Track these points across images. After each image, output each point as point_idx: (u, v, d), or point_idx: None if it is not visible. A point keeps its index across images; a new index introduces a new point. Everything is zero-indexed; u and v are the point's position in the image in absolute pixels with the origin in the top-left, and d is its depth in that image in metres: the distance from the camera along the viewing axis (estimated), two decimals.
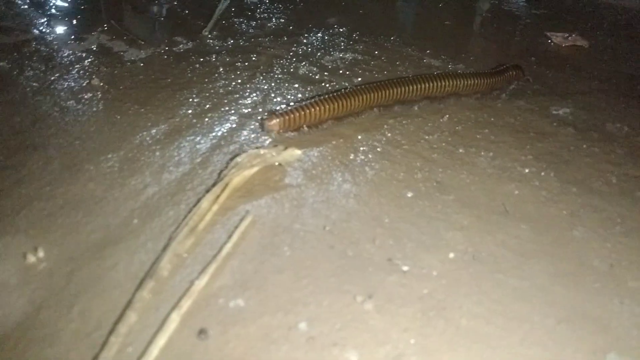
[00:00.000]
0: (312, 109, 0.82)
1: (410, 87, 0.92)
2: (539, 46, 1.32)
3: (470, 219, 0.67)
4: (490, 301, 0.55)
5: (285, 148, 0.74)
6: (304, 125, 0.83)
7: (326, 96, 0.85)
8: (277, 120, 0.80)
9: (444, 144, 0.83)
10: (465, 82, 0.97)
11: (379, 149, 0.81)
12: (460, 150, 0.82)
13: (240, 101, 0.95)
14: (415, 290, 0.56)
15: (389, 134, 0.86)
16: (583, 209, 0.70)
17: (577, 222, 0.68)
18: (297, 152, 0.74)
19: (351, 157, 0.79)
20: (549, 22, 1.54)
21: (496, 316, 0.53)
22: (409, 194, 0.71)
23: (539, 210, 0.69)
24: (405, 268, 0.58)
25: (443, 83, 0.95)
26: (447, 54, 1.22)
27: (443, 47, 1.27)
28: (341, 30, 1.37)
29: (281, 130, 0.82)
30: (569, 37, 1.33)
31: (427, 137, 0.85)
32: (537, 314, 0.53)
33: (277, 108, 0.86)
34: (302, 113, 0.81)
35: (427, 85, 0.94)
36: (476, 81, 0.98)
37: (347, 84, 1.03)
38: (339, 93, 0.86)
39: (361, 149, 0.81)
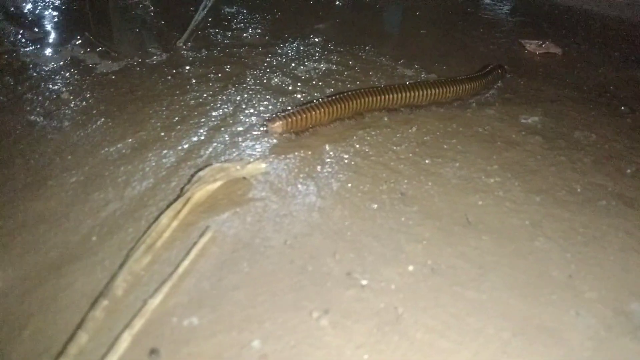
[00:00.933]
0: (316, 111, 0.84)
1: (414, 93, 0.95)
2: (512, 54, 1.33)
3: (432, 230, 0.67)
4: (447, 314, 0.55)
5: (250, 161, 0.74)
6: (308, 127, 0.85)
7: (329, 98, 0.87)
8: (280, 122, 0.81)
9: (411, 155, 0.84)
10: (466, 87, 1.01)
11: (345, 161, 0.81)
12: (427, 161, 0.82)
13: (210, 113, 0.95)
14: (372, 305, 0.55)
15: (357, 145, 0.86)
16: (545, 219, 0.70)
17: (538, 232, 0.68)
18: (262, 165, 0.74)
19: (317, 169, 0.79)
20: (525, 29, 1.55)
21: (451, 330, 0.53)
22: (374, 206, 0.71)
23: (501, 221, 0.70)
24: (364, 282, 0.58)
25: (448, 89, 0.98)
26: (420, 63, 1.23)
27: (417, 56, 1.27)
28: (317, 40, 1.37)
29: (284, 132, 0.83)
30: (543, 45, 1.35)
31: (394, 148, 0.86)
32: (492, 327, 0.54)
33: (281, 111, 0.88)
34: (306, 115, 0.83)
35: (432, 91, 0.96)
36: (473, 85, 1.02)
37: (318, 95, 1.04)
38: (342, 95, 0.88)
39: (328, 160, 0.81)
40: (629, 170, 0.83)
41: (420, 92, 0.96)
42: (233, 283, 0.57)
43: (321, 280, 0.58)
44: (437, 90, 0.97)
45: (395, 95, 0.93)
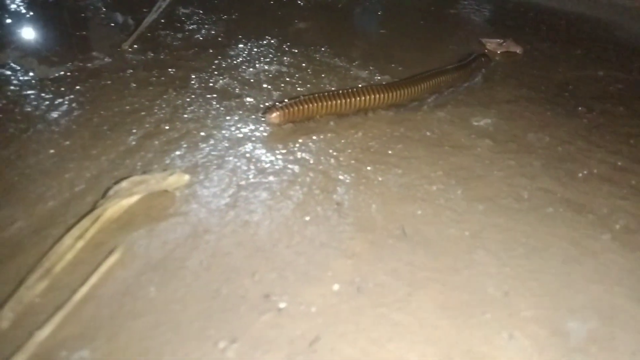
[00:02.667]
0: (314, 104, 0.85)
1: (413, 88, 0.95)
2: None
3: (364, 245, 0.62)
4: (367, 340, 0.50)
5: (172, 173, 0.68)
6: (306, 118, 0.86)
7: (329, 92, 0.88)
8: (278, 113, 0.82)
9: (352, 162, 0.79)
10: (455, 75, 1.05)
11: (281, 170, 0.76)
12: (369, 168, 0.77)
13: (145, 119, 0.90)
14: (287, 332, 0.51)
15: (297, 153, 0.81)
16: (487, 230, 0.66)
17: (478, 244, 0.63)
18: (185, 177, 0.68)
19: (250, 179, 0.74)
20: (488, 27, 1.52)
21: (368, 359, 0.48)
22: (306, 218, 0.67)
23: (439, 232, 0.65)
24: (282, 305, 0.53)
25: (444, 78, 1.02)
26: (376, 64, 1.18)
27: (374, 57, 1.23)
28: (272, 41, 1.32)
29: (282, 123, 0.85)
30: (503, 44, 1.31)
31: (336, 154, 0.81)
32: (415, 354, 0.49)
33: (279, 101, 0.88)
34: (304, 107, 0.84)
35: (430, 82, 0.99)
36: (462, 72, 1.07)
37: (263, 99, 0.99)
38: (342, 91, 0.89)
39: (262, 170, 0.76)
40: (580, 174, 0.79)
41: (421, 86, 0.97)
42: (135, 310, 0.52)
43: (235, 304, 0.53)
44: (435, 81, 1.00)
45: (395, 93, 0.93)
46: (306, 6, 1.67)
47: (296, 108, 0.84)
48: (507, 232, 0.66)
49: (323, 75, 1.12)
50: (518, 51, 1.29)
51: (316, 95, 0.87)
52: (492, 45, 1.31)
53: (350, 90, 0.90)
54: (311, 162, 0.79)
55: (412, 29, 1.49)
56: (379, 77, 1.11)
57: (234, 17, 1.52)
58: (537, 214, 0.70)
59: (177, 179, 0.68)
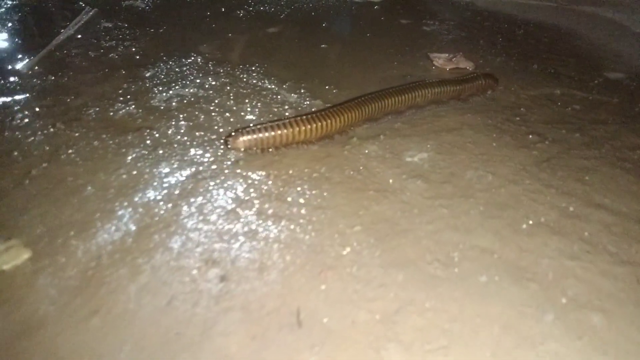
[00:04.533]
0: (286, 130, 0.77)
1: (388, 101, 0.89)
2: (419, 71, 1.17)
3: (244, 341, 0.48)
4: None
5: (8, 248, 0.53)
6: (275, 146, 0.79)
7: (300, 117, 0.79)
8: (242, 138, 0.76)
9: (252, 219, 0.65)
10: (441, 90, 0.96)
11: (157, 238, 0.62)
12: (271, 227, 0.64)
13: (14, 165, 0.74)
14: None
15: (184, 207, 0.67)
16: (403, 311, 0.53)
17: (389, 334, 0.50)
18: (24, 255, 0.54)
19: (115, 255, 0.59)
20: (440, 39, 1.40)
21: None
22: (163, 303, 0.52)
23: (344, 316, 0.52)
24: None
25: (416, 93, 0.93)
26: (309, 86, 1.05)
27: (309, 77, 1.10)
28: (198, 59, 1.18)
29: (248, 149, 0.78)
30: (453, 59, 1.19)
31: (233, 207, 0.67)
32: None
33: (245, 126, 0.79)
34: (273, 134, 0.77)
35: (402, 97, 0.91)
36: (450, 88, 0.97)
37: (168, 131, 0.84)
38: (313, 115, 0.80)
39: (129, 232, 0.61)
40: (525, 225, 0.66)
41: (395, 99, 0.90)
42: None
43: None
44: (407, 96, 0.92)
45: (370, 107, 0.86)
46: (244, 18, 1.53)
47: (265, 134, 0.76)
48: (427, 313, 0.53)
49: (246, 101, 0.99)
50: (468, 67, 1.17)
51: (289, 120, 0.79)
52: (441, 61, 1.18)
53: (323, 112, 0.82)
54: (196, 221, 0.65)
55: (357, 42, 1.36)
56: (308, 102, 0.98)
57: (161, 31, 1.38)
58: (468, 285, 0.57)
59: (13, 256, 0.53)
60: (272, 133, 0.77)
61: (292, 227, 0.64)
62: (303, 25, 1.48)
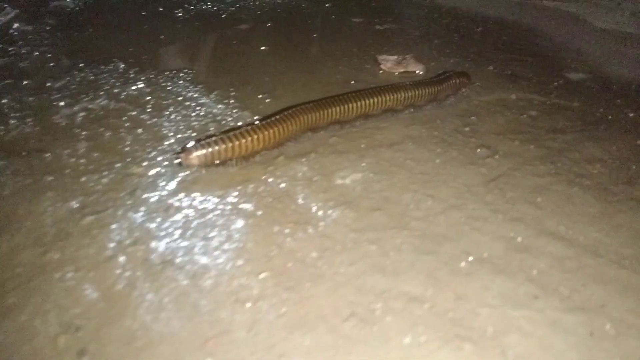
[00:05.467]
0: (243, 139, 0.69)
1: (352, 105, 0.81)
2: (365, 76, 1.06)
3: None
4: None
5: None
6: (232, 158, 0.70)
7: (259, 123, 0.72)
8: (197, 153, 0.67)
9: (136, 270, 0.53)
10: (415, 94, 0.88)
11: (15, 292, 0.50)
12: (148, 285, 0.52)
13: None
14: None
15: (55, 253, 0.55)
16: None
17: None
18: None
19: None
20: (393, 39, 1.29)
21: None
22: None
23: None
24: None
25: (380, 99, 0.84)
26: (240, 94, 0.94)
27: (241, 84, 0.99)
28: (120, 65, 1.06)
29: (203, 165, 0.68)
30: (402, 61, 1.08)
31: (112, 254, 0.55)
32: None
33: (197, 140, 0.69)
34: (231, 144, 0.68)
35: (367, 101, 0.82)
36: (421, 91, 0.88)
37: (65, 155, 0.72)
38: (273, 119, 0.73)
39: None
40: (464, 263, 0.57)
41: (356, 104, 0.81)
42: None
43: None
44: (369, 101, 0.83)
45: (331, 110, 0.79)
46: (182, 19, 1.40)
47: (222, 146, 0.68)
48: None
49: (165, 113, 0.87)
50: (419, 70, 1.07)
51: (247, 128, 0.71)
52: (388, 64, 1.08)
53: (282, 115, 0.74)
54: (67, 283, 0.53)
55: (302, 44, 1.25)
56: (235, 115, 0.87)
57: (86, 34, 1.25)
58: (387, 350, 0.47)
59: None
60: (230, 144, 0.68)
61: (182, 282, 0.53)
62: (247, 25, 1.37)
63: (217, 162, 0.70)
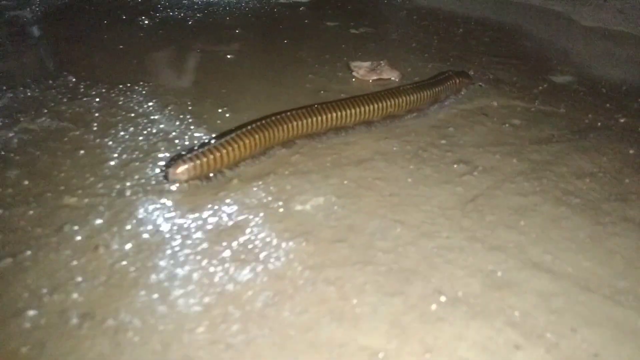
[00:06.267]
0: (231, 147, 0.65)
1: (343, 113, 0.76)
2: (336, 85, 0.98)
3: None
4: None
5: None
6: (221, 168, 0.66)
7: (244, 130, 0.68)
8: (186, 166, 0.62)
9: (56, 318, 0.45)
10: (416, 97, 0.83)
11: None
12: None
13: None
14: None
15: None
16: None
17: None
18: None
19: None
20: (367, 44, 1.22)
21: None
22: None
23: None
24: None
25: (381, 105, 0.79)
26: (197, 109, 0.87)
27: (202, 97, 0.91)
28: (70, 79, 0.98)
29: (190, 179, 0.64)
30: (376, 68, 1.01)
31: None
32: None
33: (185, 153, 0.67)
34: (219, 154, 0.64)
35: (359, 109, 0.77)
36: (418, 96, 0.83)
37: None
38: (258, 124, 0.69)
39: None
40: (434, 306, 0.49)
41: (340, 113, 0.76)
42: None
43: None
44: (360, 110, 0.78)
45: (320, 118, 0.74)
46: (146, 27, 1.32)
47: (210, 157, 0.63)
48: None
49: (111, 132, 0.79)
50: (394, 77, 0.99)
51: (231, 136, 0.66)
52: (361, 71, 1.00)
53: (269, 120, 0.70)
54: None
55: (271, 51, 1.17)
56: (189, 133, 0.79)
57: (40, 46, 1.16)
58: None
59: None
60: (218, 153, 0.64)
61: (101, 341, 0.44)
62: (214, 33, 1.29)
63: (207, 174, 0.65)
